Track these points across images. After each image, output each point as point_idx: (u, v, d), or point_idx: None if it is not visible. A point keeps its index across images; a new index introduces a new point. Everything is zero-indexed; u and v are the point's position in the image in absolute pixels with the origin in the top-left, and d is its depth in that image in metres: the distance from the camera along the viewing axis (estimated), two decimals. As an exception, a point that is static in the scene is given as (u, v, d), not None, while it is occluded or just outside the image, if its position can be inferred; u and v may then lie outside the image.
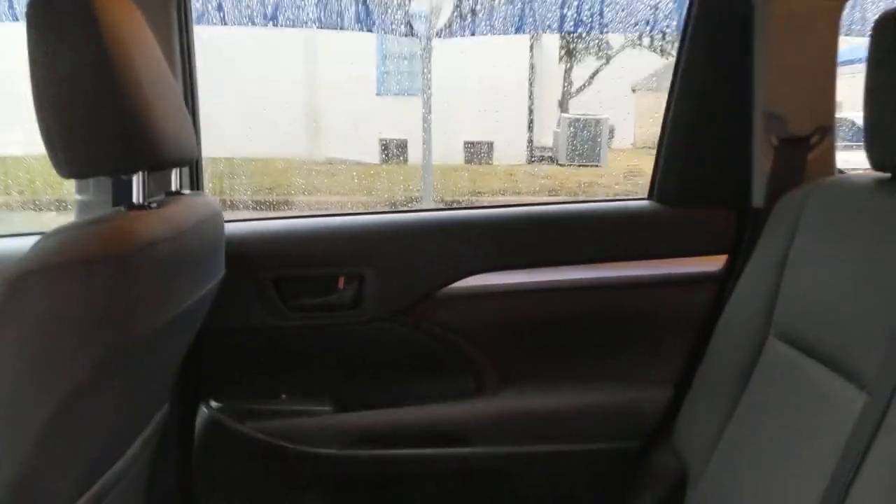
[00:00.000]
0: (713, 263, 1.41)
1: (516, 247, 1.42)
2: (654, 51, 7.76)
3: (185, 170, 1.35)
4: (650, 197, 1.47)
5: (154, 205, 0.94)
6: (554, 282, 1.41)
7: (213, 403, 1.44)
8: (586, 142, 6.81)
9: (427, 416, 1.43)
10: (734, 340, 1.16)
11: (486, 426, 1.43)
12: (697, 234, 1.42)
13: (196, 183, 1.42)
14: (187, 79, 1.37)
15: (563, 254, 1.42)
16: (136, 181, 0.92)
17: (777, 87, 1.31)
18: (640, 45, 7.48)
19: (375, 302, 1.39)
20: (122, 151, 0.85)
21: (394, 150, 5.55)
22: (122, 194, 0.97)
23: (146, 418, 1.10)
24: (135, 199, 0.92)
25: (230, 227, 1.23)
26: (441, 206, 4.76)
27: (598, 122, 6.88)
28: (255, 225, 1.46)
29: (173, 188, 1.13)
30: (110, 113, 0.83)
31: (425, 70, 4.33)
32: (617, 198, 1.61)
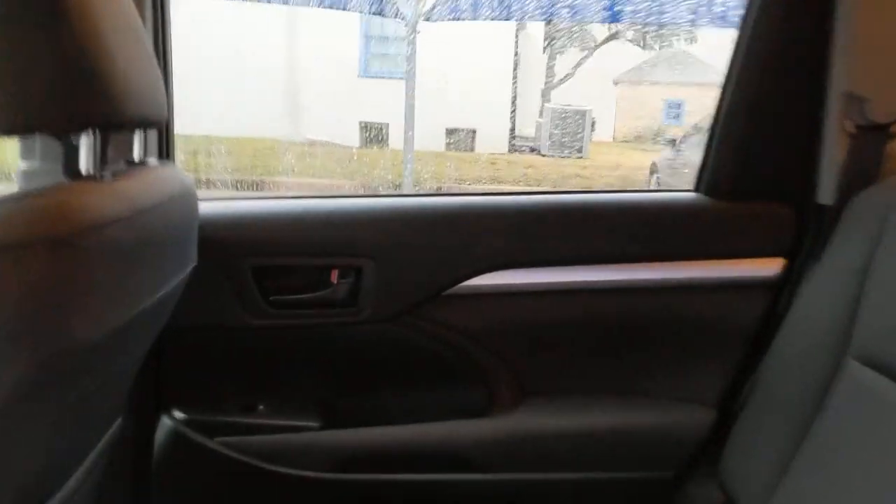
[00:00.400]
0: (768, 267, 1.28)
1: (540, 240, 1.29)
2: (637, 44, 7.94)
3: (154, 138, 1.22)
4: (697, 188, 1.35)
5: (108, 175, 0.79)
6: (582, 283, 1.29)
7: (177, 414, 1.31)
8: (570, 133, 7.02)
9: (430, 435, 1.31)
10: (799, 360, 1.05)
11: (500, 449, 1.31)
12: (751, 232, 1.30)
13: (165, 152, 1.27)
14: (159, 34, 1.22)
15: (594, 250, 1.30)
16: (86, 143, 0.77)
17: (861, 64, 1.17)
18: (623, 37, 7.66)
19: (374, 299, 1.27)
20: (66, 102, 0.69)
21: (374, 134, 5.57)
22: (74, 162, 0.84)
23: (96, 435, 0.98)
24: (82, 167, 0.78)
25: (200, 207, 1.08)
26: (427, 191, 4.74)
27: (582, 113, 7.06)
28: (231, 205, 1.33)
29: (136, 157, 0.97)
30: (51, 48, 0.67)
31: (409, 54, 4.35)
32: (659, 188, 1.48)
